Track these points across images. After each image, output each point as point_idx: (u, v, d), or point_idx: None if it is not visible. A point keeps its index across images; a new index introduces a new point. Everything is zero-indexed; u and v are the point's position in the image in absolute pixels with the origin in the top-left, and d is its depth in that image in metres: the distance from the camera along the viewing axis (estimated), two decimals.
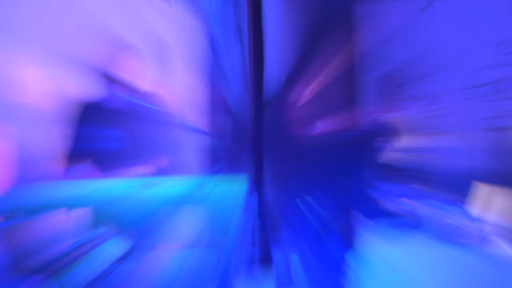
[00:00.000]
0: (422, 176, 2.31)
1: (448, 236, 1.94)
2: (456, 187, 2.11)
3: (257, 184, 1.69)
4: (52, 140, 1.93)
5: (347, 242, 1.77)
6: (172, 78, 2.40)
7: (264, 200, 1.71)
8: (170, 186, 1.66)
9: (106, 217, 1.52)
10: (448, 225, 1.97)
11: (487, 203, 1.93)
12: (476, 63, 2.06)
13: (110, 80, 2.09)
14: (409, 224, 2.02)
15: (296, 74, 1.80)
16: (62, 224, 1.52)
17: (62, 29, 1.98)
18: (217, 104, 2.19)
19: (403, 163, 2.36)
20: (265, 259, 1.70)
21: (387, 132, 2.07)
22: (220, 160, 2.15)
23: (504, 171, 1.91)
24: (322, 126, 1.83)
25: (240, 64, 2.07)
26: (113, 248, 1.55)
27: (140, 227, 1.53)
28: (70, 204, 1.52)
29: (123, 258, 1.52)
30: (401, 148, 2.25)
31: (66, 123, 1.97)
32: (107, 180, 1.72)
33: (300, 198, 1.80)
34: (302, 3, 1.81)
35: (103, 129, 2.05)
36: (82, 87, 2.03)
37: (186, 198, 1.59)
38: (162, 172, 2.12)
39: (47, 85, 1.96)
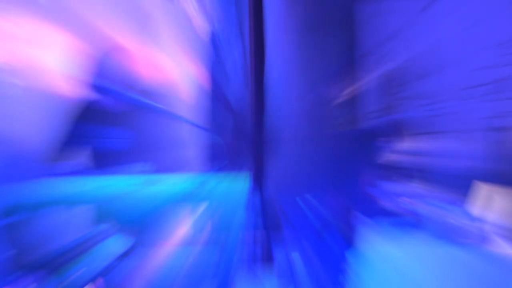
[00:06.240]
0: (423, 176, 2.32)
1: (448, 235, 1.94)
2: (457, 186, 2.11)
3: (258, 182, 1.69)
4: (52, 136, 1.93)
5: (347, 240, 1.77)
6: (174, 75, 2.40)
7: (266, 199, 1.71)
8: (172, 183, 1.65)
9: (108, 214, 1.52)
10: (448, 224, 1.98)
11: (487, 203, 1.93)
12: (476, 63, 2.07)
13: (111, 78, 2.09)
14: (409, 223, 2.02)
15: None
16: (64, 221, 1.52)
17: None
18: (218, 101, 2.19)
19: (403, 162, 2.36)
20: (267, 257, 1.70)
21: (387, 131, 2.07)
22: (221, 158, 2.15)
23: (504, 171, 1.92)
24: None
25: (241, 62, 2.07)
26: (115, 245, 1.55)
27: (142, 224, 1.53)
28: (72, 201, 1.52)
29: (124, 255, 1.52)
30: (401, 147, 2.26)
31: (66, 120, 1.97)
32: (109, 177, 1.72)
33: (301, 197, 1.80)
34: (303, 2, 1.81)
35: (106, 127, 2.06)
36: (83, 86, 2.03)
37: (188, 196, 1.59)
38: (164, 169, 2.12)
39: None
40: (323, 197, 1.78)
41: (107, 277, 1.47)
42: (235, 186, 1.63)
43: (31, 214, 1.48)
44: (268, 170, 1.73)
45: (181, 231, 1.61)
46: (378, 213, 1.99)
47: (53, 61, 1.96)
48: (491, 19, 1.97)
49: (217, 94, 2.20)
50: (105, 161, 2.03)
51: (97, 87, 2.05)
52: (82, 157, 2.00)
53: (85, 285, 1.43)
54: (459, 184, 2.10)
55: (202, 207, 1.60)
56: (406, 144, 2.27)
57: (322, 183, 1.80)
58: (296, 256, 1.74)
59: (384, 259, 1.75)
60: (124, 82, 2.12)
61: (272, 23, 1.76)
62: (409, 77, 2.43)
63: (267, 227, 1.72)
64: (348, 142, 1.87)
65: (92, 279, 1.45)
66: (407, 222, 2.02)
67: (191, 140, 2.26)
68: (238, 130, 2.11)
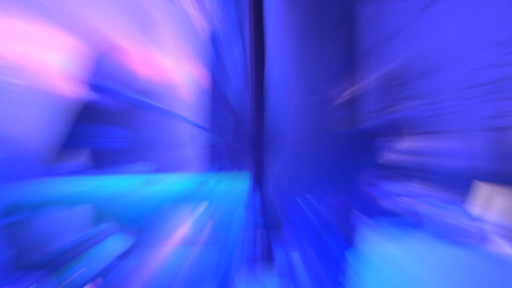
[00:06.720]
0: (423, 175, 2.32)
1: (448, 235, 1.94)
2: (457, 186, 2.11)
3: (258, 182, 1.69)
4: (52, 136, 1.93)
5: (348, 240, 1.77)
6: (174, 75, 2.40)
7: (266, 198, 1.71)
8: (172, 183, 1.65)
9: (108, 214, 1.52)
10: (448, 224, 1.98)
11: (487, 203, 1.93)
12: (476, 63, 2.07)
13: (111, 77, 2.09)
14: (409, 223, 2.02)
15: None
16: (64, 221, 1.52)
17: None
18: (218, 101, 2.19)
19: (403, 162, 2.36)
20: (267, 257, 1.70)
21: (388, 131, 2.07)
22: (221, 158, 2.15)
23: (504, 171, 1.92)
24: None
25: (241, 61, 2.07)
26: (114, 245, 1.55)
27: (142, 224, 1.53)
28: (72, 201, 1.52)
29: (124, 255, 1.52)
30: (401, 147, 2.26)
31: (66, 120, 1.98)
32: (109, 177, 1.71)
33: (301, 197, 1.80)
34: (303, 2, 1.81)
35: (105, 127, 2.06)
36: (83, 85, 2.03)
37: (188, 195, 1.59)
38: (164, 169, 2.12)
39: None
40: (323, 197, 1.78)
41: (107, 277, 1.47)
42: (235, 186, 1.62)
43: (31, 214, 1.48)
44: (268, 170, 1.73)
45: (181, 231, 1.61)
46: (378, 213, 1.99)
47: (52, 60, 1.96)
48: (491, 19, 1.97)
49: (217, 94, 2.20)
50: (104, 161, 2.04)
51: (96, 87, 2.05)
52: (82, 156, 2.00)
53: (85, 285, 1.43)
54: (459, 184, 2.10)
55: (202, 207, 1.60)
56: (406, 144, 2.27)
57: (322, 183, 1.80)
58: (296, 256, 1.74)
59: (384, 259, 1.75)
60: (123, 82, 2.12)
61: (272, 23, 1.76)
62: (409, 77, 2.44)
63: (267, 227, 1.72)
64: (348, 142, 1.87)
65: (92, 279, 1.45)
66: (407, 222, 2.02)
67: (191, 140, 2.26)
68: (238, 130, 2.11)
